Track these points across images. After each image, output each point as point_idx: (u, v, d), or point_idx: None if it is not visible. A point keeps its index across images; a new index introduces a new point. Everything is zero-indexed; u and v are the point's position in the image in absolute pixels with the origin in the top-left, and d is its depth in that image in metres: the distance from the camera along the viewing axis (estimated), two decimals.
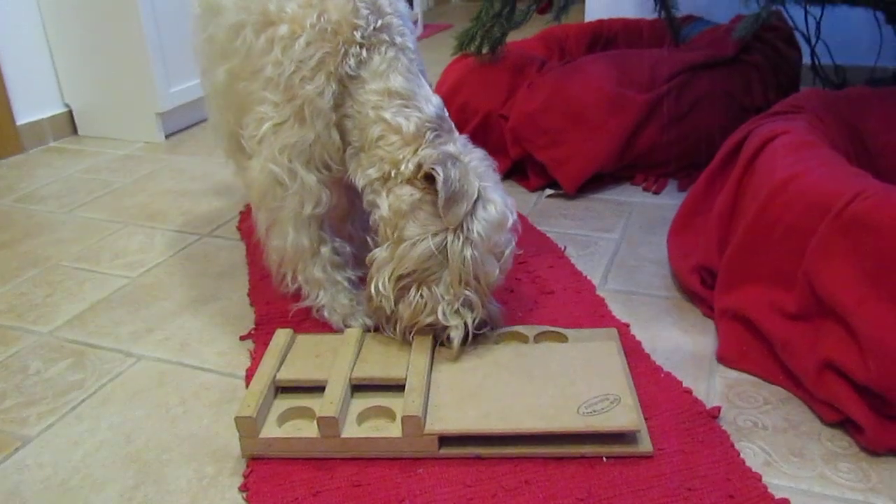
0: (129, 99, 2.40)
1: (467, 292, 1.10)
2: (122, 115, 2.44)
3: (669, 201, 1.79)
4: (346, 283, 1.28)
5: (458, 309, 1.11)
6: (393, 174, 1.11)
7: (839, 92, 1.50)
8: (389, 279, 1.11)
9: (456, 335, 1.12)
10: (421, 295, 1.11)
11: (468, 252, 1.08)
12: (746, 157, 1.29)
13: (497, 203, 1.10)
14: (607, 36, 2.52)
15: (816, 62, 2.17)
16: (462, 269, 1.08)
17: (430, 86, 1.20)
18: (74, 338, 1.32)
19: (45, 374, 1.23)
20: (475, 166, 1.11)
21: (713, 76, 1.91)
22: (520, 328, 1.22)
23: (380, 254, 1.13)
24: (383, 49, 1.13)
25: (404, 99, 1.12)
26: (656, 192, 1.85)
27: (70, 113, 2.51)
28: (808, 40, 2.17)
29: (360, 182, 1.16)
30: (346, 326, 1.24)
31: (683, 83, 1.87)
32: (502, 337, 1.21)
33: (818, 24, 2.16)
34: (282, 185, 1.17)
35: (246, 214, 1.80)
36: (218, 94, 1.32)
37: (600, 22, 2.54)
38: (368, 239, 1.20)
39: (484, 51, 1.99)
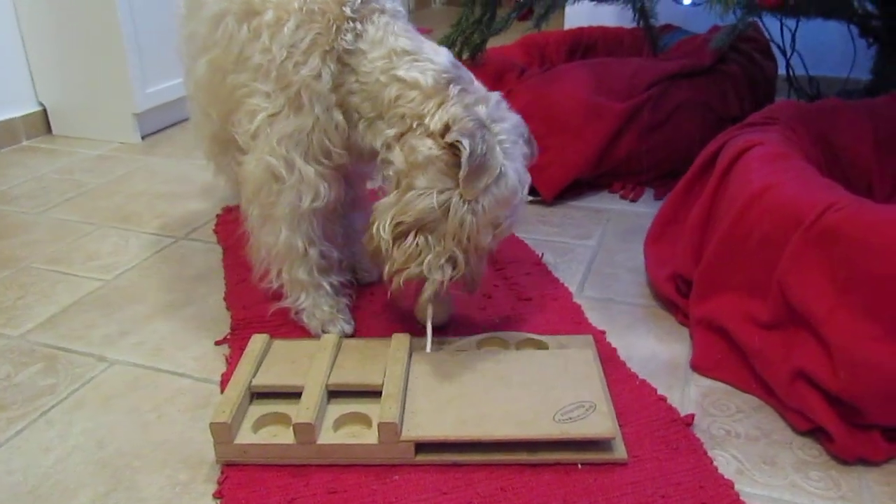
0: (105, 99, 2.37)
1: (455, 250, 1.09)
2: (98, 115, 2.41)
3: (646, 209, 1.80)
4: (328, 289, 1.27)
5: (441, 264, 1.10)
6: (415, 126, 1.08)
7: (812, 104, 1.53)
8: (390, 223, 1.10)
9: (430, 289, 1.11)
10: (416, 244, 1.09)
11: (468, 218, 1.06)
12: (722, 167, 1.31)
13: (510, 179, 1.07)
14: (587, 43, 2.54)
15: (791, 73, 2.20)
16: (458, 230, 1.07)
17: None
18: (46, 341, 1.30)
19: (15, 378, 1.21)
20: (503, 139, 1.08)
21: (690, 86, 1.93)
22: (501, 335, 1.23)
23: (385, 199, 1.12)
24: (375, 17, 1.12)
25: (413, 54, 1.10)
26: (633, 200, 1.87)
27: (44, 112, 2.48)
28: (783, 52, 2.20)
29: (377, 144, 1.13)
30: (324, 332, 1.23)
31: (661, 92, 1.89)
32: (484, 342, 1.21)
33: (793, 36, 2.19)
34: (278, 178, 1.15)
35: (223, 217, 1.79)
36: (200, 90, 1.29)
37: (580, 29, 2.56)
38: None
39: (464, 57, 1.99)
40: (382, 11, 1.13)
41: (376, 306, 1.36)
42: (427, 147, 1.06)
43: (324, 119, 1.13)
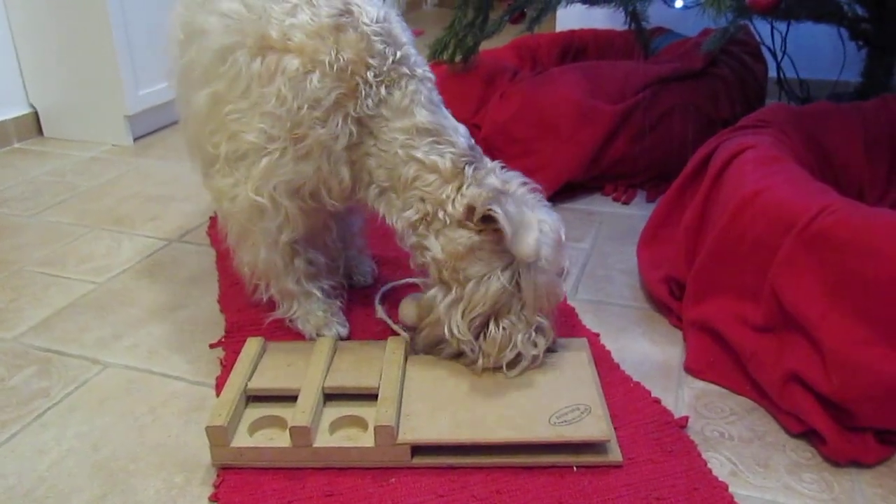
0: (97, 101, 2.36)
1: (540, 319, 1.11)
2: (89, 117, 2.40)
3: (638, 212, 1.81)
4: (319, 294, 1.26)
5: (533, 338, 1.11)
6: (440, 215, 1.08)
7: (803, 107, 1.54)
8: (464, 320, 1.09)
9: (525, 364, 1.11)
10: (503, 328, 1.09)
11: (541, 279, 1.07)
12: (714, 170, 1.32)
13: (549, 223, 1.09)
14: (578, 46, 2.55)
15: (782, 76, 2.22)
16: (536, 297, 1.08)
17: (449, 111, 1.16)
18: (40, 344, 1.30)
19: (9, 381, 1.20)
20: (521, 194, 1.09)
21: (682, 89, 1.94)
22: None
23: (441, 297, 1.10)
24: (403, 83, 1.08)
25: (434, 135, 1.08)
26: (625, 203, 1.88)
27: (35, 114, 2.47)
28: (774, 55, 2.22)
29: (398, 224, 1.12)
30: (319, 336, 1.24)
31: (653, 95, 1.90)
32: None
33: (784, 38, 2.21)
34: (263, 215, 1.13)
35: (216, 220, 1.78)
36: (197, 121, 1.19)
37: (572, 32, 2.57)
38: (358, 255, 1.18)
39: (457, 59, 2.00)
40: (412, 77, 1.09)
41: (370, 308, 1.36)
42: (466, 237, 1.06)
43: (327, 172, 1.10)
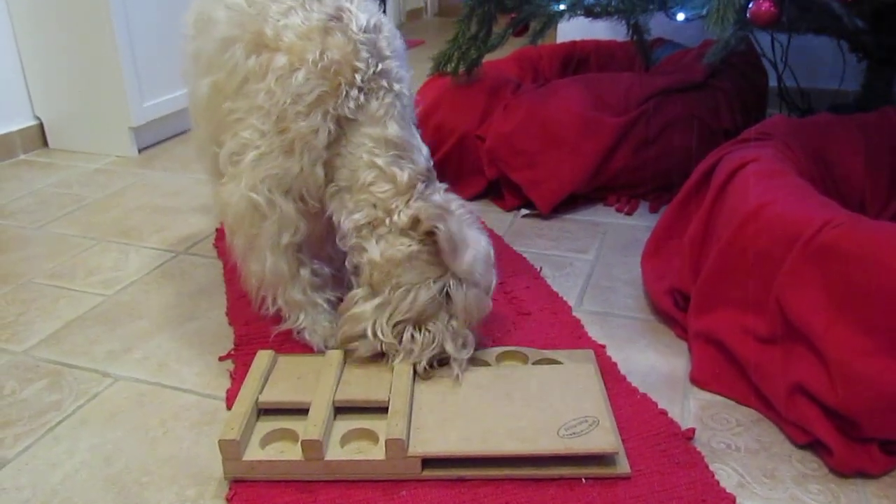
0: (102, 112, 2.38)
1: (466, 330, 1.17)
2: (95, 129, 2.42)
3: (641, 222, 1.83)
4: (325, 305, 1.28)
5: (459, 346, 1.16)
6: (387, 222, 1.13)
7: (805, 119, 1.55)
8: (388, 323, 1.14)
9: (455, 368, 1.15)
10: (428, 331, 1.14)
11: (472, 293, 1.14)
12: (718, 183, 1.33)
13: (482, 241, 1.17)
14: (580, 57, 2.57)
15: (783, 86, 2.24)
16: (465, 309, 1.14)
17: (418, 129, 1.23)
18: (50, 357, 1.31)
19: (20, 394, 1.21)
20: (461, 214, 1.16)
21: (683, 100, 1.96)
22: (524, 350, 1.25)
23: (363, 296, 1.16)
24: (381, 94, 1.14)
25: (399, 149, 1.14)
26: (628, 214, 1.89)
27: (41, 125, 2.48)
28: (774, 66, 2.23)
29: (344, 224, 1.17)
30: (327, 348, 1.25)
31: (655, 107, 1.92)
32: (503, 356, 1.24)
33: (785, 50, 2.23)
34: (261, 213, 1.17)
35: (223, 232, 1.80)
36: (200, 110, 1.30)
37: (573, 43, 2.59)
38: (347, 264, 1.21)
39: (461, 72, 2.01)
40: (389, 90, 1.14)
41: None
42: (406, 245, 1.12)
43: (308, 170, 1.16)
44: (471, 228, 1.17)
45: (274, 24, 1.12)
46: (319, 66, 1.09)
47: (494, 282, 1.20)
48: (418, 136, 1.19)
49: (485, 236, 1.19)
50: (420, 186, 1.14)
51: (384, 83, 1.14)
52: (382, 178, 1.13)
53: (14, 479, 1.03)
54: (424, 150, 1.19)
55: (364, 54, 1.11)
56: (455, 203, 1.18)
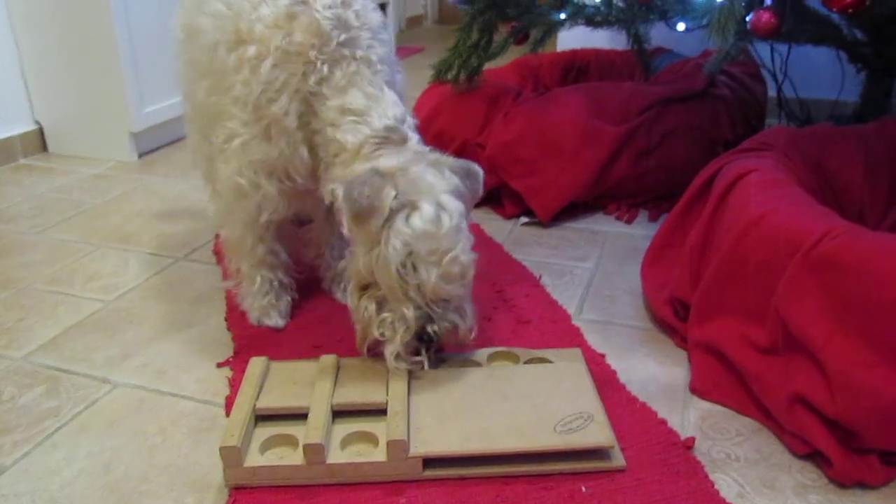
0: (102, 117, 2.38)
1: (405, 309, 1.07)
2: (95, 134, 2.42)
3: (641, 231, 1.83)
4: (269, 284, 1.37)
5: (392, 323, 1.10)
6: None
7: (805, 129, 1.56)
8: (351, 290, 1.15)
9: (387, 351, 1.11)
10: (367, 308, 1.12)
11: (392, 266, 1.04)
12: (718, 193, 1.33)
13: (425, 210, 1.03)
14: (580, 65, 2.58)
15: (782, 96, 2.24)
16: (393, 283, 1.05)
17: (402, 97, 1.21)
18: (48, 363, 1.31)
19: (18, 400, 1.21)
20: (418, 177, 1.06)
21: (683, 109, 1.97)
22: (514, 350, 1.25)
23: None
24: (345, 64, 1.15)
25: (356, 114, 1.14)
26: (628, 222, 1.89)
27: (41, 130, 2.49)
28: (774, 76, 2.24)
29: (326, 199, 1.20)
30: (259, 324, 1.38)
31: (655, 116, 1.92)
32: (495, 356, 1.24)
33: (785, 61, 2.23)
34: (243, 193, 1.24)
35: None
36: (197, 115, 1.35)
37: (573, 52, 2.60)
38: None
39: (461, 79, 2.02)
40: (353, 58, 1.15)
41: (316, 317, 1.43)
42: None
43: (288, 152, 1.19)
44: (424, 192, 1.05)
45: (248, 18, 1.15)
46: (282, 50, 1.13)
47: (450, 255, 1.04)
48: (390, 100, 1.16)
49: (450, 201, 1.06)
50: (367, 149, 1.12)
51: (346, 52, 1.15)
52: (340, 148, 1.15)
53: (12, 487, 1.03)
54: (391, 111, 1.14)
55: (326, 27, 1.13)
56: (419, 164, 1.08)
